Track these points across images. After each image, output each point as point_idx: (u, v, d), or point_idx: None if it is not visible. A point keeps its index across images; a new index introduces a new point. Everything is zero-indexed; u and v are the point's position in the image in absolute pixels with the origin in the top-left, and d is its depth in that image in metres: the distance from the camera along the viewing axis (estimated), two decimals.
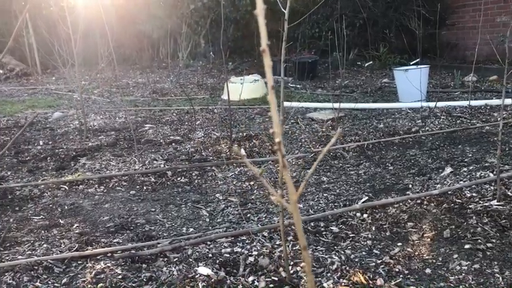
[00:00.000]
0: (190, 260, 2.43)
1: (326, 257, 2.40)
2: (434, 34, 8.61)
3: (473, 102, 5.72)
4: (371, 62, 9.67)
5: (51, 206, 3.28)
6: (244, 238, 2.66)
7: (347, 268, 2.28)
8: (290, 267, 2.29)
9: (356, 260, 2.39)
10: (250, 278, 2.24)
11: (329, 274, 2.24)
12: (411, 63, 7.04)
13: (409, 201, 3.01)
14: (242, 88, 6.11)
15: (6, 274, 2.34)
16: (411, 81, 6.00)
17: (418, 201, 3.01)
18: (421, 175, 3.55)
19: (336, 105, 5.44)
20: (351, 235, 2.67)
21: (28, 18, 10.00)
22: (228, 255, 2.46)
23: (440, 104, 5.66)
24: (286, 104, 6.58)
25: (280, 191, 2.61)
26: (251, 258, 2.42)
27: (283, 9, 2.07)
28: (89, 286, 2.22)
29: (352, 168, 3.85)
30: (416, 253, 2.43)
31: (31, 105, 7.34)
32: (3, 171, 4.06)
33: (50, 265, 2.43)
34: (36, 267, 2.40)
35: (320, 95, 7.32)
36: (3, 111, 6.77)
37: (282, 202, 0.63)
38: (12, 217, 3.12)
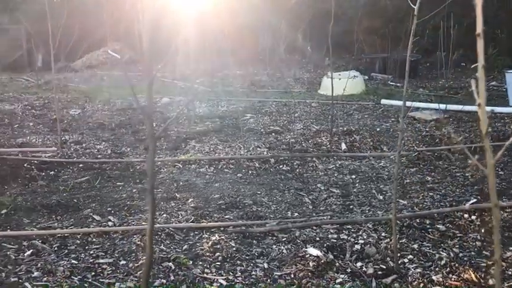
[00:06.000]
0: (298, 241, 2.57)
1: (433, 252, 2.42)
2: None
3: None
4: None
5: (167, 181, 3.58)
6: (350, 227, 2.74)
7: (456, 265, 2.28)
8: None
9: (465, 258, 2.38)
10: (358, 264, 2.32)
11: (437, 269, 2.26)
12: None
13: None
14: (345, 84, 6.12)
15: (134, 236, 2.63)
16: None
17: None
18: None
19: (442, 106, 5.29)
20: (458, 235, 2.65)
21: (141, 9, 10.70)
22: (335, 241, 2.56)
23: None
24: (385, 101, 6.50)
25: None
26: (357, 246, 2.50)
27: (412, 5, 2.11)
28: (207, 254, 2.44)
29: (457, 170, 3.76)
30: None
31: (140, 90, 7.90)
32: (124, 147, 4.48)
33: (171, 232, 2.68)
34: (159, 233, 2.67)
35: (422, 95, 7.13)
36: (118, 94, 7.37)
37: (480, 166, 0.72)
38: (134, 188, 3.46)
